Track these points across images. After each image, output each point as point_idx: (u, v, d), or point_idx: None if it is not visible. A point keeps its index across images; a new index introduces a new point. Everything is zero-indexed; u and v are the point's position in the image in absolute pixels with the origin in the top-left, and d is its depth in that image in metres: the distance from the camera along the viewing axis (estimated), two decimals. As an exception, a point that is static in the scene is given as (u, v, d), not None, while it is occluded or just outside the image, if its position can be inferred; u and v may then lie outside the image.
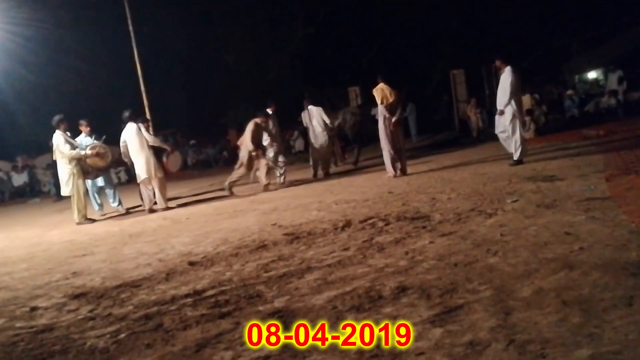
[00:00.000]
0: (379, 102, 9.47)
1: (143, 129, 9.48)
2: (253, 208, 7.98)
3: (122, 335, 3.21)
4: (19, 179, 19.83)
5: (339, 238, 5.02)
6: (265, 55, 24.78)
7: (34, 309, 4.06)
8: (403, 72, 22.23)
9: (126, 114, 9.57)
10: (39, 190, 19.60)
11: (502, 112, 8.63)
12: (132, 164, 9.58)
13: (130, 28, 11.46)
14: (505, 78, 8.66)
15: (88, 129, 10.09)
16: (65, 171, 8.99)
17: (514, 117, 8.54)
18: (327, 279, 3.77)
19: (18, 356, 3.11)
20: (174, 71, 24.85)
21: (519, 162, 8.51)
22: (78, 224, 8.93)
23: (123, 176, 19.86)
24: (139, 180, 9.54)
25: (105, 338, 3.21)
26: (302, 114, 11.84)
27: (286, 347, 2.72)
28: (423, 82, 23.53)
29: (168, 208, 9.46)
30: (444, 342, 2.53)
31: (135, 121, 9.48)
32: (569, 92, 18.99)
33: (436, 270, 3.62)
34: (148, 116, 11.15)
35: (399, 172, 9.45)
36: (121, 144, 9.49)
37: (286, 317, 3.13)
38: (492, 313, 2.78)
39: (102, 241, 6.92)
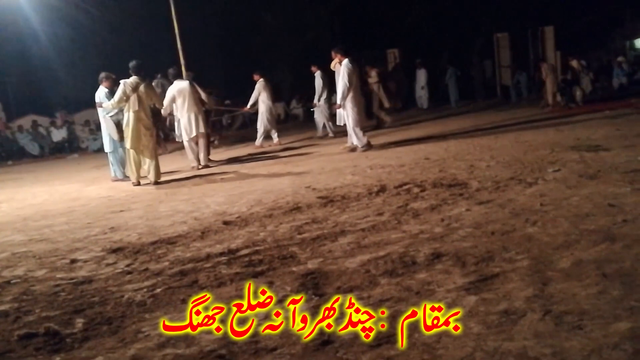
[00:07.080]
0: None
1: (197, 87, 9.48)
2: (287, 170, 7.99)
3: (158, 290, 3.28)
4: (58, 135, 20.19)
5: (374, 203, 4.99)
6: (304, 14, 24.36)
7: (73, 261, 4.17)
8: (445, 35, 21.62)
9: (172, 71, 9.54)
10: (78, 146, 20.01)
11: (339, 106, 9.10)
12: (169, 120, 9.59)
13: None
14: (343, 71, 8.89)
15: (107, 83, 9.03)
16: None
17: (350, 110, 8.93)
18: (360, 243, 3.76)
19: (59, 305, 3.21)
20: (210, 29, 24.67)
21: (368, 146, 9.07)
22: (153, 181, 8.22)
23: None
24: (187, 137, 9.38)
25: (142, 292, 3.28)
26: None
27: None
28: (466, 46, 22.82)
29: (207, 166, 9.52)
30: (478, 310, 2.50)
31: (181, 78, 9.44)
32: (619, 59, 18.23)
33: (472, 238, 3.57)
34: (184, 75, 11.08)
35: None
36: (168, 100, 9.28)
37: (319, 280, 3.14)
38: (528, 283, 2.73)
39: (138, 198, 7.04)
